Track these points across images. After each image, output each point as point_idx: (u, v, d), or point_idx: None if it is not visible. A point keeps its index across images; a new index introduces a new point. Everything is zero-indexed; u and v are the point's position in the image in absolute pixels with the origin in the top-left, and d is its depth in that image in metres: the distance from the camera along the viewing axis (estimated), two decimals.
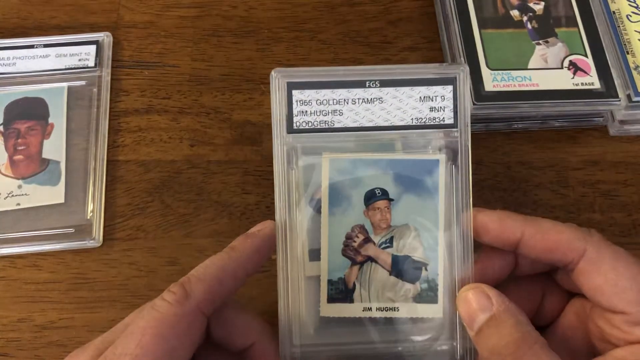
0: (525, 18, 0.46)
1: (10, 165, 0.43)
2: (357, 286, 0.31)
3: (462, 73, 0.30)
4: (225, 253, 0.30)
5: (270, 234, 0.31)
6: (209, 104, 0.46)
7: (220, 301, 0.29)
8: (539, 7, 0.47)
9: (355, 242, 0.31)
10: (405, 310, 0.31)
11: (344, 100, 0.31)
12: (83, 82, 0.45)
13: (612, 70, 0.43)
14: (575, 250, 0.29)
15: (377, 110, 0.31)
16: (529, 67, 0.44)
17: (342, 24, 0.49)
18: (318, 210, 0.35)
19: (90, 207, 0.41)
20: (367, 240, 0.31)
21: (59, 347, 0.38)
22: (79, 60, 0.46)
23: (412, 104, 0.30)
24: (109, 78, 0.46)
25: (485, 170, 0.44)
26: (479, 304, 0.29)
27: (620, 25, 0.46)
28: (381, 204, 0.31)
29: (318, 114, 0.31)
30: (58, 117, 0.44)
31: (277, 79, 0.31)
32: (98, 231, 0.41)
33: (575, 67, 0.44)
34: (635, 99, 0.43)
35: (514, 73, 0.43)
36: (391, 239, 0.31)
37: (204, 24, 0.49)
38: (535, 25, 0.46)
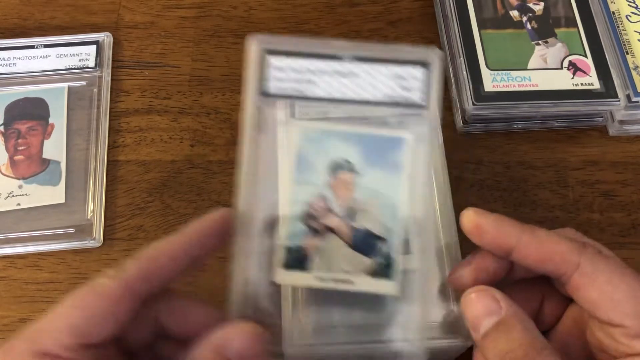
0: (524, 18, 0.46)
1: (10, 165, 0.43)
2: (315, 256, 0.31)
3: (435, 55, 0.31)
4: (171, 236, 0.30)
5: (219, 218, 0.30)
6: (209, 104, 0.46)
7: (157, 281, 0.29)
8: (538, 8, 0.47)
9: (316, 211, 0.31)
10: (360, 284, 0.30)
11: (320, 71, 0.31)
12: (83, 83, 0.45)
13: (612, 71, 0.43)
14: (568, 262, 0.29)
15: (349, 84, 0.31)
16: (528, 67, 0.44)
17: (342, 24, 0.49)
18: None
19: (90, 207, 0.41)
20: (329, 210, 0.31)
21: None
22: (79, 60, 0.46)
23: (385, 81, 0.31)
24: (110, 78, 0.46)
25: (484, 170, 0.44)
26: (486, 307, 0.29)
27: (620, 26, 0.46)
28: (346, 176, 0.31)
29: (292, 82, 0.31)
30: (58, 118, 0.44)
31: (256, 45, 0.30)
32: (98, 231, 0.41)
33: (574, 68, 0.44)
34: (634, 99, 0.43)
35: (514, 73, 0.43)
36: (352, 212, 0.31)
37: (204, 24, 0.49)
38: (535, 26, 0.46)
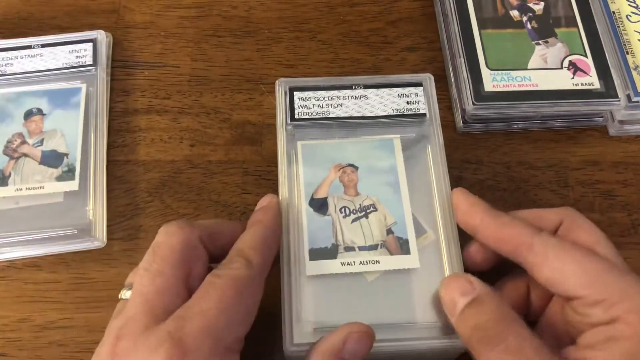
0: (524, 18, 0.46)
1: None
2: (12, 174, 0.41)
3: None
4: (258, 225, 0.33)
5: (276, 206, 0.35)
6: (209, 104, 0.46)
7: (269, 267, 0.32)
8: (538, 7, 0.47)
9: (14, 144, 0.41)
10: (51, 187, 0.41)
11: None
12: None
13: (612, 71, 0.43)
14: (523, 244, 0.32)
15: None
16: (528, 67, 0.44)
17: (342, 24, 0.49)
18: (318, 209, 0.35)
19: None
20: (23, 142, 0.42)
21: (59, 347, 0.38)
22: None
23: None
24: (109, 78, 0.46)
25: (485, 170, 0.44)
26: (461, 288, 0.31)
27: (620, 26, 0.46)
28: (36, 117, 0.43)
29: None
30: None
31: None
32: (100, 231, 0.40)
33: (574, 67, 0.44)
34: (634, 99, 0.43)
35: (514, 73, 0.43)
36: (42, 140, 0.42)
37: (204, 24, 0.49)
38: (535, 26, 0.46)
